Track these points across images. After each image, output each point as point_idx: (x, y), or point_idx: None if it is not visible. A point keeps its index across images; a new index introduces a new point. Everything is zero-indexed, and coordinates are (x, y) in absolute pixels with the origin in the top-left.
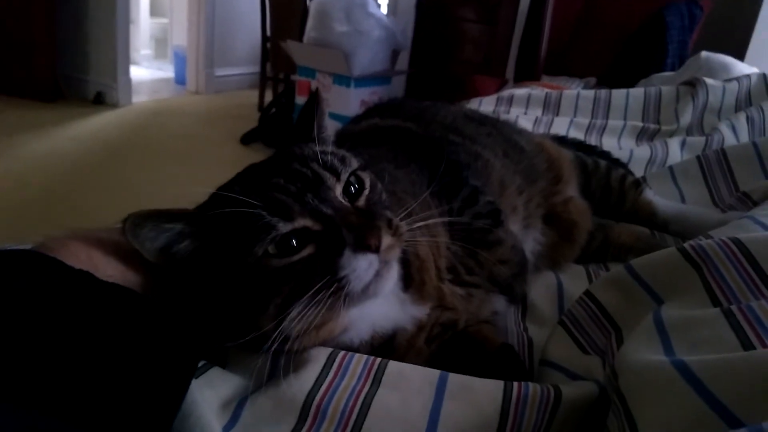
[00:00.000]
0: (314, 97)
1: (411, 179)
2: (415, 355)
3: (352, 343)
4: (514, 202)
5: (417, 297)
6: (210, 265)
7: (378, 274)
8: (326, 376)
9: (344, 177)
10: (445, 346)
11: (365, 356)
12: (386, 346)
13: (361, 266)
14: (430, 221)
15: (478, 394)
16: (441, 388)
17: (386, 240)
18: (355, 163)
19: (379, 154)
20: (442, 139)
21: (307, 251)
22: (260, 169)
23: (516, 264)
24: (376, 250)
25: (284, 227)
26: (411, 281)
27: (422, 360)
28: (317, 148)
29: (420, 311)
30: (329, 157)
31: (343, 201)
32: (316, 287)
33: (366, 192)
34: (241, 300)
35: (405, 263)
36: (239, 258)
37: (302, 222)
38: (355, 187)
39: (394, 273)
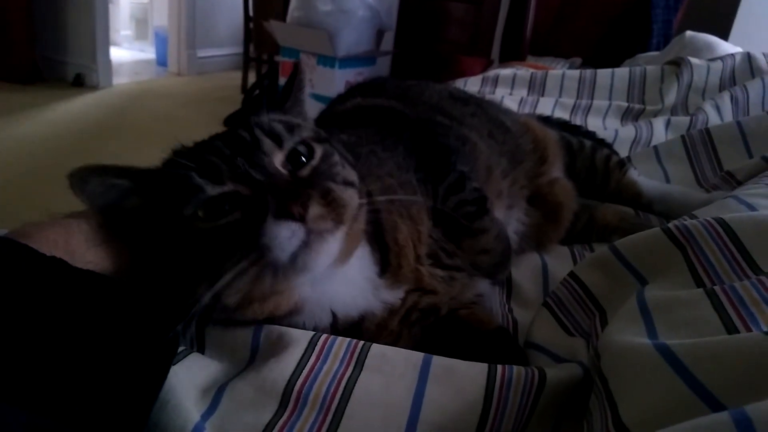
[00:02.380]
0: (296, 70)
1: (398, 162)
2: (388, 337)
3: (310, 326)
4: (500, 186)
5: (392, 281)
6: (152, 225)
7: (306, 246)
8: (308, 360)
9: (288, 145)
10: (435, 329)
11: (348, 339)
12: (353, 330)
13: (282, 235)
14: (401, 197)
15: (462, 377)
16: (425, 371)
17: (314, 209)
18: (306, 133)
19: (369, 135)
20: (430, 120)
21: (234, 216)
22: (215, 135)
23: (499, 253)
24: (300, 218)
25: (212, 190)
26: (388, 266)
27: (402, 344)
28: (270, 116)
29: (393, 295)
30: (276, 124)
31: (280, 168)
32: (239, 254)
33: (314, 162)
34: (178, 265)
35: (383, 248)
36: (172, 218)
37: (232, 186)
38: (305, 157)
39: (330, 248)
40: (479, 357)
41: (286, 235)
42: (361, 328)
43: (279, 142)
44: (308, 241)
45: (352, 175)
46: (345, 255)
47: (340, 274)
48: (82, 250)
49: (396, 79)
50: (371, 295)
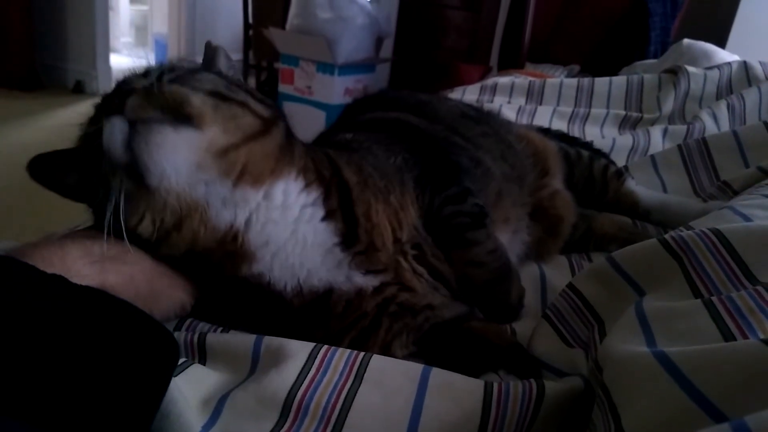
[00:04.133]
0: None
1: (396, 164)
2: (364, 321)
3: (279, 286)
4: (508, 213)
5: (363, 262)
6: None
7: (135, 137)
8: (308, 372)
9: (155, 74)
10: (447, 341)
11: (348, 351)
12: (320, 302)
13: (106, 130)
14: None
15: (460, 390)
16: (423, 384)
17: (133, 100)
18: (180, 71)
19: (376, 137)
20: (446, 139)
21: (93, 128)
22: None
23: (493, 270)
24: (119, 110)
25: (90, 128)
26: (356, 241)
27: (395, 342)
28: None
29: (365, 281)
30: (151, 67)
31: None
32: (94, 159)
33: (167, 76)
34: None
35: (349, 220)
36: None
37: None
38: None
39: (166, 138)
40: (494, 367)
41: (109, 130)
42: (329, 302)
43: (145, 75)
44: (135, 132)
45: (242, 96)
46: (250, 172)
47: (285, 226)
48: (78, 267)
49: (407, 92)
50: (335, 268)
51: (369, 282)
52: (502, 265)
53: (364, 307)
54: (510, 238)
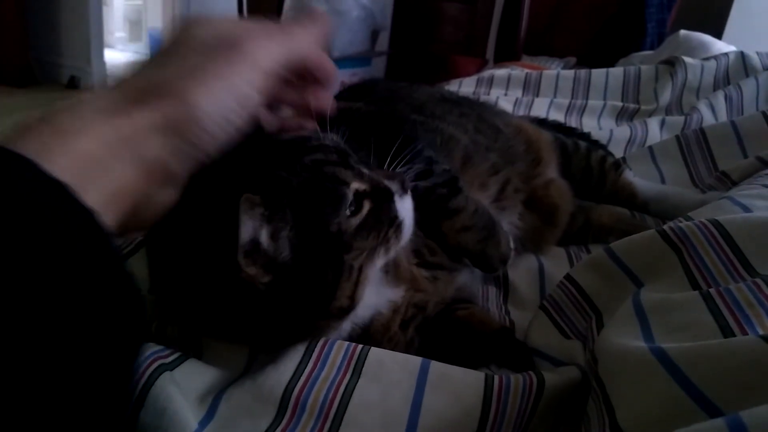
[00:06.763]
0: None
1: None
2: (389, 341)
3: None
4: (484, 178)
5: (392, 278)
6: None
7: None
8: (305, 367)
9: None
10: (435, 333)
11: (345, 344)
12: (363, 334)
13: (407, 206)
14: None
15: (460, 383)
16: (422, 378)
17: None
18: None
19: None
20: (403, 119)
21: (367, 207)
22: (280, 151)
23: (481, 228)
24: (407, 191)
25: (350, 193)
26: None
27: (400, 347)
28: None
29: (395, 294)
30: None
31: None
32: (387, 233)
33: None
34: (320, 275)
35: None
36: (320, 231)
37: (355, 186)
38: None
39: None
40: (484, 360)
41: (408, 206)
42: (369, 332)
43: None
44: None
45: None
46: None
47: None
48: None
49: (389, 81)
50: (376, 293)
51: (398, 294)
52: (487, 221)
53: (392, 327)
54: (496, 214)
